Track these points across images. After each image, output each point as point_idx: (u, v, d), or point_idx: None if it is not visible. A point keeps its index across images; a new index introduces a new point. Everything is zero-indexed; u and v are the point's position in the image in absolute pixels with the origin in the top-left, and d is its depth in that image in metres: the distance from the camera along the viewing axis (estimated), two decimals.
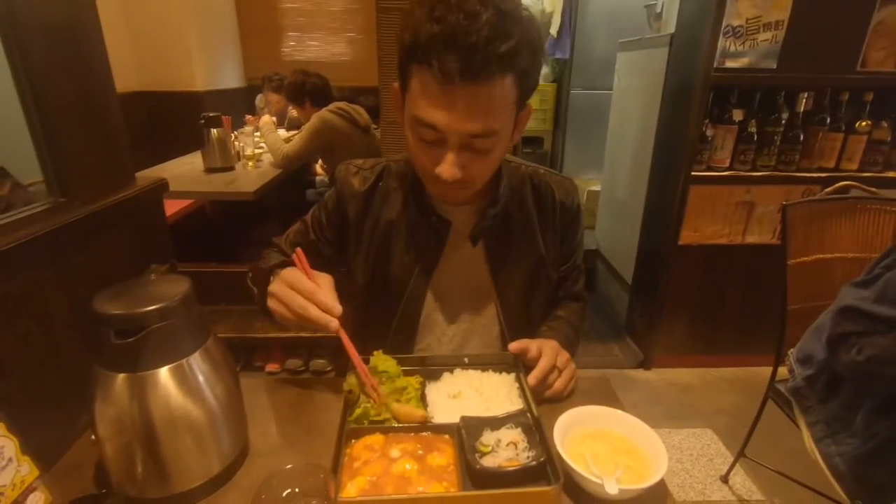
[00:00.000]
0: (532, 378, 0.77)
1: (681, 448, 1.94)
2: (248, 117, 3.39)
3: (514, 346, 0.81)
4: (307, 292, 0.71)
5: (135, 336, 0.55)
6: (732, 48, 1.95)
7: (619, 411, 0.70)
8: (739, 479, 1.79)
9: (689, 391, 2.31)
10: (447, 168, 0.73)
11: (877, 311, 0.98)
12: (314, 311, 0.70)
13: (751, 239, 2.22)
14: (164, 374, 0.59)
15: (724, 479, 1.78)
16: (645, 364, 2.47)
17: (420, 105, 0.71)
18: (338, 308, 0.71)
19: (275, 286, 0.75)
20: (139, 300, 0.58)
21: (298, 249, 0.75)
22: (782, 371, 1.43)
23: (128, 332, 0.55)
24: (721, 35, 1.93)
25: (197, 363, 0.62)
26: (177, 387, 0.60)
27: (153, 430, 0.59)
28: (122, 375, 0.57)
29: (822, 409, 1.16)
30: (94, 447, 0.61)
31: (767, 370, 1.51)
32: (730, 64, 1.97)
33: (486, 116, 0.69)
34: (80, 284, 0.78)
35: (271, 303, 0.76)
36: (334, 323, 0.70)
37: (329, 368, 2.28)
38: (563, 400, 0.81)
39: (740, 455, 1.70)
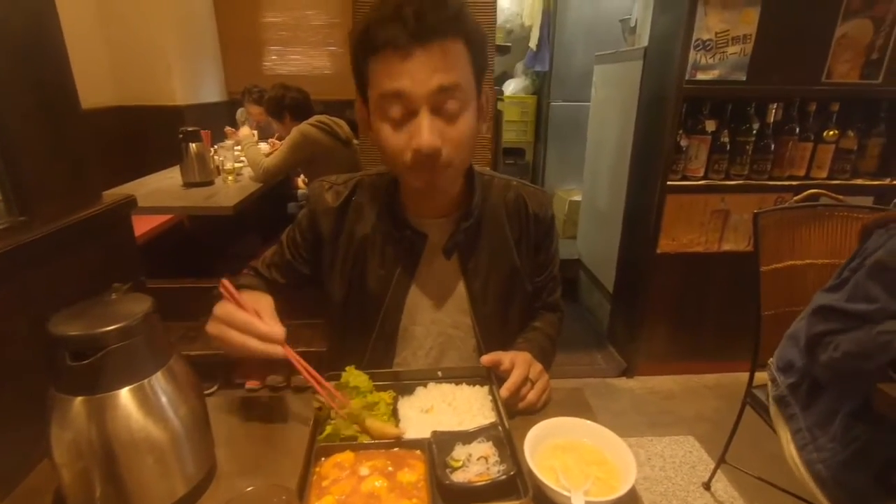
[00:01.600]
0: (504, 390, 0.77)
1: (663, 456, 1.94)
2: (228, 129, 3.37)
3: (486, 358, 0.81)
4: (243, 326, 0.68)
5: (91, 357, 0.54)
6: (703, 61, 2.00)
7: (590, 422, 0.70)
8: (721, 485, 1.80)
9: (670, 398, 2.32)
10: (425, 136, 0.72)
11: (850, 308, 1.00)
12: (254, 344, 0.68)
13: (727, 246, 2.26)
14: (124, 395, 0.57)
15: (707, 486, 1.79)
16: (627, 372, 2.48)
17: (382, 82, 0.73)
18: (278, 332, 0.69)
19: (210, 326, 0.72)
20: (97, 320, 0.56)
21: (223, 280, 0.72)
22: (760, 376, 1.44)
23: (84, 353, 0.54)
24: (692, 48, 1.98)
25: (159, 383, 0.60)
26: (138, 408, 0.58)
27: (112, 453, 0.57)
28: (79, 398, 0.56)
29: (805, 416, 1.16)
30: (55, 473, 0.59)
31: (747, 375, 1.53)
32: (701, 76, 2.02)
33: (446, 70, 0.71)
34: (41, 305, 0.76)
35: (213, 342, 0.73)
36: (278, 350, 0.69)
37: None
38: (537, 412, 0.81)
39: (721, 462, 1.71)
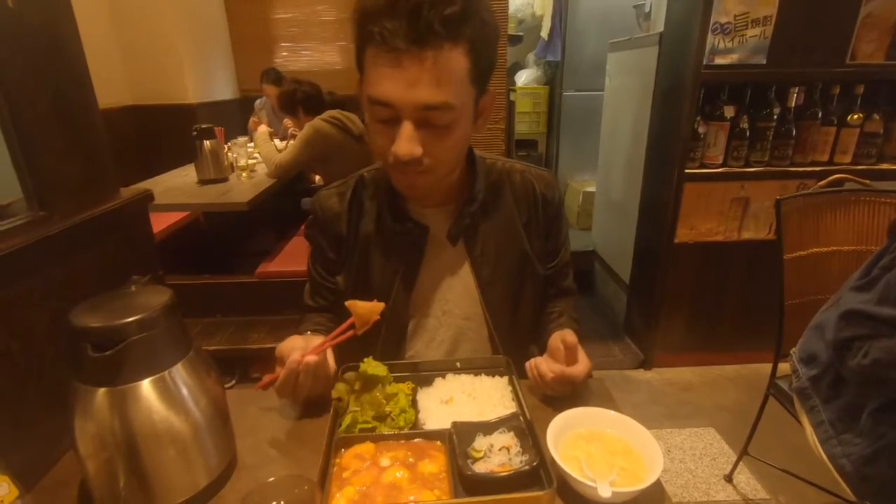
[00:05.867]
0: (557, 369, 0.75)
1: (683, 448, 1.92)
2: (253, 121, 3.51)
3: (570, 338, 0.77)
4: (285, 375, 0.73)
5: (112, 349, 0.54)
6: (721, 45, 1.95)
7: (613, 412, 0.68)
8: (744, 477, 1.77)
9: (690, 390, 2.29)
10: (403, 143, 0.70)
11: (880, 313, 0.96)
12: (302, 378, 0.73)
13: (747, 235, 2.21)
14: (145, 386, 0.58)
15: (728, 479, 1.76)
16: (645, 364, 2.45)
17: (372, 82, 0.70)
18: (293, 358, 0.73)
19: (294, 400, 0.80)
20: (117, 312, 0.56)
21: (259, 387, 0.78)
22: (783, 367, 1.41)
23: (105, 344, 0.54)
24: (709, 32, 1.93)
25: (179, 375, 0.60)
26: (159, 399, 0.58)
27: (135, 445, 0.57)
28: (101, 390, 0.56)
29: (827, 409, 1.14)
30: (79, 465, 0.59)
31: (768, 366, 1.50)
32: (719, 61, 1.97)
33: (436, 85, 0.67)
34: (62, 299, 0.76)
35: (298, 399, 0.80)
36: (309, 358, 0.73)
37: None
38: (559, 398, 0.79)
39: (743, 453, 1.68)
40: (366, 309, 0.74)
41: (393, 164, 0.74)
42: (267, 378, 0.76)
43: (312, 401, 0.78)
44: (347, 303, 0.75)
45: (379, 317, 0.75)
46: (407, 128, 0.70)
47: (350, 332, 0.75)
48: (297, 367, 0.72)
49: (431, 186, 0.81)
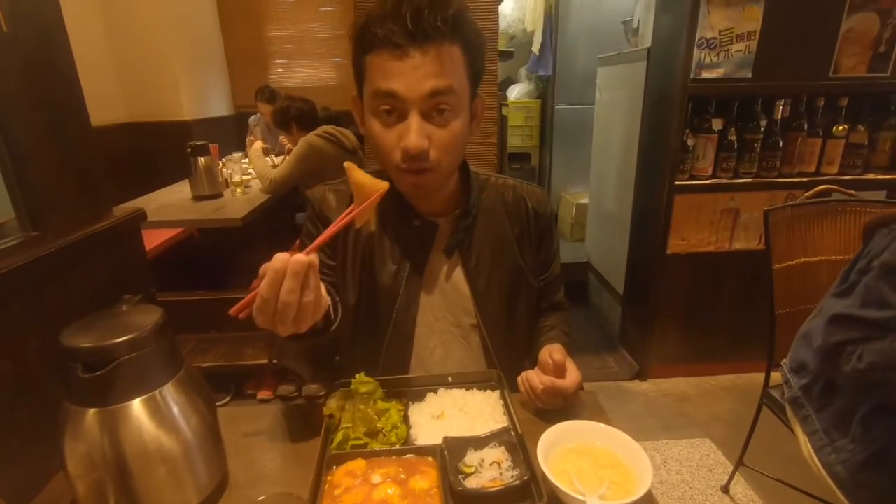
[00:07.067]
0: (548, 380, 0.77)
1: (680, 459, 1.91)
2: (249, 139, 3.50)
3: (557, 356, 0.79)
4: (266, 285, 0.56)
5: (103, 369, 0.54)
6: (707, 60, 1.99)
7: (603, 425, 0.69)
8: (740, 488, 1.76)
9: (685, 401, 2.29)
10: (413, 136, 0.73)
11: (866, 316, 0.97)
12: (286, 285, 0.56)
13: (738, 245, 2.24)
14: (135, 406, 0.58)
15: (725, 490, 1.76)
16: (640, 375, 2.45)
17: (378, 79, 0.73)
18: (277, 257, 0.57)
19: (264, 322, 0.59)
20: (108, 332, 0.57)
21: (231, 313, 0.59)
22: (775, 376, 1.42)
23: (95, 365, 0.54)
24: (696, 47, 1.97)
25: (170, 394, 0.61)
26: (149, 419, 0.58)
27: (125, 464, 0.57)
28: (92, 410, 0.56)
29: (820, 417, 1.14)
30: (70, 486, 0.59)
31: (762, 376, 1.51)
32: (706, 75, 2.01)
33: (440, 72, 0.72)
34: (54, 318, 0.76)
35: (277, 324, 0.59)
36: (299, 258, 0.57)
37: (322, 393, 2.25)
38: (550, 412, 0.80)
39: (739, 464, 1.68)
40: (366, 179, 0.63)
41: (401, 162, 0.76)
42: (246, 299, 0.59)
43: (298, 334, 0.62)
44: (347, 166, 0.66)
45: (380, 196, 0.64)
46: (415, 119, 0.73)
47: (348, 219, 0.64)
48: (283, 267, 0.56)
49: (435, 187, 0.83)
